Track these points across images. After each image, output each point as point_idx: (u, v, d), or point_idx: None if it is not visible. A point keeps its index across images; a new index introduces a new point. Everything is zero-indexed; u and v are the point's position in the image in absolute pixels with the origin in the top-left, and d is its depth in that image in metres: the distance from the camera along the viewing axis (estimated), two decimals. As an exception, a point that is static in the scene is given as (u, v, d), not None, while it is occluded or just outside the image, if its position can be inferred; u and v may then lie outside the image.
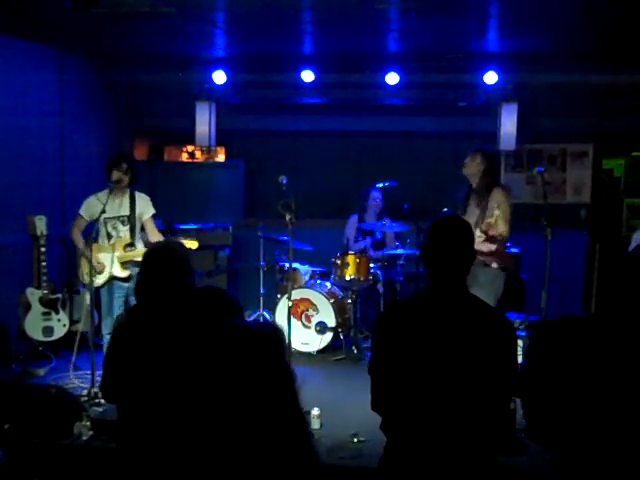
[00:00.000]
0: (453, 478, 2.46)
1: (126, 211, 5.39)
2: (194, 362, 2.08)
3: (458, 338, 2.49)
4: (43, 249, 5.78)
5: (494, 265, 4.91)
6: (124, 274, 5.33)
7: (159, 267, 2.88)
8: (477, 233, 4.71)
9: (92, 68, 7.16)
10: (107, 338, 5.23)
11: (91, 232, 5.18)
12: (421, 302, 2.62)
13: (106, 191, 5.25)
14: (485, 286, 4.73)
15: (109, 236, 5.37)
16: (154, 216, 5.52)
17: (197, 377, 2.08)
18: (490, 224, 4.67)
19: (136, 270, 5.16)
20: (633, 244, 5.33)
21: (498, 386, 2.49)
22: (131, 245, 5.38)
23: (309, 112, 7.78)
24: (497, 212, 4.71)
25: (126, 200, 5.39)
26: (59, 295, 5.93)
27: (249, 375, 1.87)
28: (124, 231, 5.38)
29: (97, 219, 5.24)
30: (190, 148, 7.82)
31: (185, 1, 4.83)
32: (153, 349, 2.65)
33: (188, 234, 6.15)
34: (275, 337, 1.95)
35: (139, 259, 5.05)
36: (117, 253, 5.30)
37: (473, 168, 5.14)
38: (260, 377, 1.86)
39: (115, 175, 5.25)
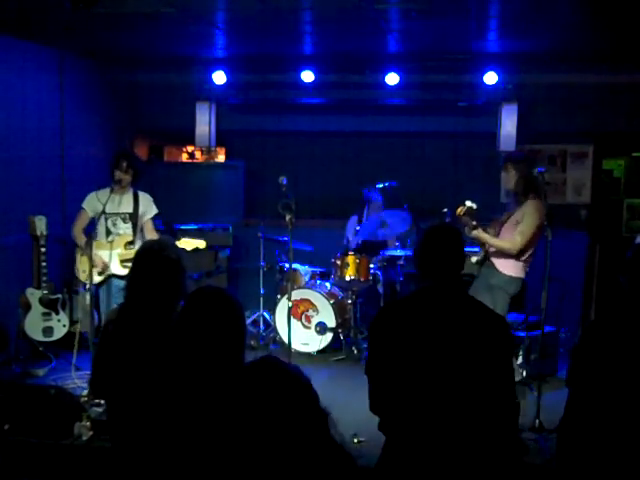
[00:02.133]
0: (452, 478, 2.46)
1: (129, 209, 5.38)
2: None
3: (453, 337, 2.50)
4: (43, 249, 5.78)
5: (503, 271, 4.80)
6: (124, 272, 5.31)
7: (150, 265, 2.90)
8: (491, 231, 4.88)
9: (92, 68, 7.16)
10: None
11: (93, 230, 5.18)
12: (416, 302, 2.64)
13: (107, 190, 5.26)
14: (491, 288, 4.72)
15: (108, 232, 5.34)
16: (155, 216, 5.52)
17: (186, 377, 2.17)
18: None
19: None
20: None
21: (495, 385, 2.50)
22: (132, 243, 5.36)
23: (309, 112, 7.79)
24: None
25: (129, 198, 5.38)
26: (59, 295, 5.93)
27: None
28: (124, 228, 5.37)
29: (97, 217, 5.24)
30: (190, 148, 7.81)
31: (185, 1, 4.83)
32: (141, 346, 2.69)
33: (188, 234, 6.14)
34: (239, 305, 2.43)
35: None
36: (118, 250, 5.30)
37: (512, 183, 4.82)
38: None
39: (116, 175, 5.27)
